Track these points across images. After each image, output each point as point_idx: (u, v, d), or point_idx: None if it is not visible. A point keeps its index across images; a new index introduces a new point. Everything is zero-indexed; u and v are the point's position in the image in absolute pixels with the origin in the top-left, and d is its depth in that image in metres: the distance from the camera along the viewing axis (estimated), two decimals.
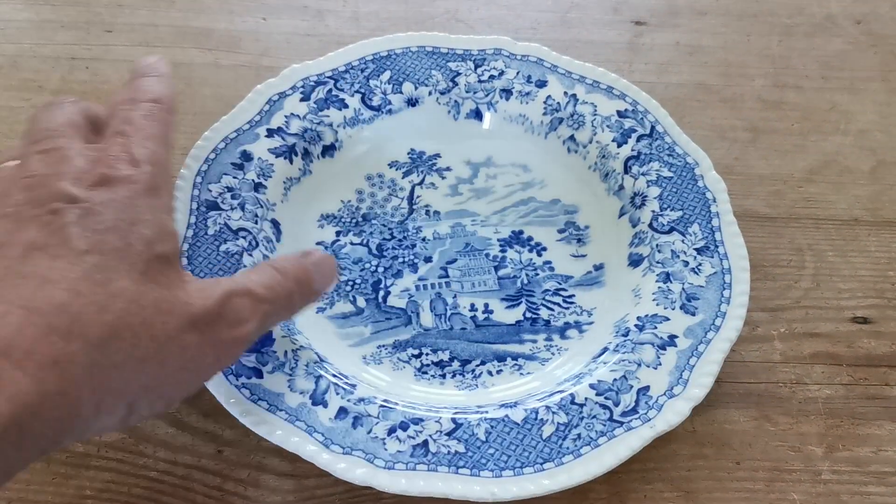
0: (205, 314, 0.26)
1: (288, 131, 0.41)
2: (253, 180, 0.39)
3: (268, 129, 0.41)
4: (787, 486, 0.34)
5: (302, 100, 0.42)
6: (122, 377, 0.24)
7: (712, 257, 0.37)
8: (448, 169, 0.43)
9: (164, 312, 0.25)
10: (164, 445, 0.33)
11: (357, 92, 0.43)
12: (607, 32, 0.53)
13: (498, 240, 0.40)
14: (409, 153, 0.43)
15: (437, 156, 0.43)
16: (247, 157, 0.39)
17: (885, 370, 0.37)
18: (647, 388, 0.33)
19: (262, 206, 0.38)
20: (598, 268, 0.39)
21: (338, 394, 0.32)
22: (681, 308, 0.35)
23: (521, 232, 0.40)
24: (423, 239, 0.40)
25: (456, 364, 0.36)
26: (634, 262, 0.38)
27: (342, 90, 0.43)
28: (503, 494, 0.30)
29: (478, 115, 0.44)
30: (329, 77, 0.43)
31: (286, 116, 0.41)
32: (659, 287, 0.36)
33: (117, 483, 0.32)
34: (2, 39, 0.50)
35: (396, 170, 0.43)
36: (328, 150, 0.42)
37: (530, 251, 0.40)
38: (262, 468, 0.33)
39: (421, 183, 0.42)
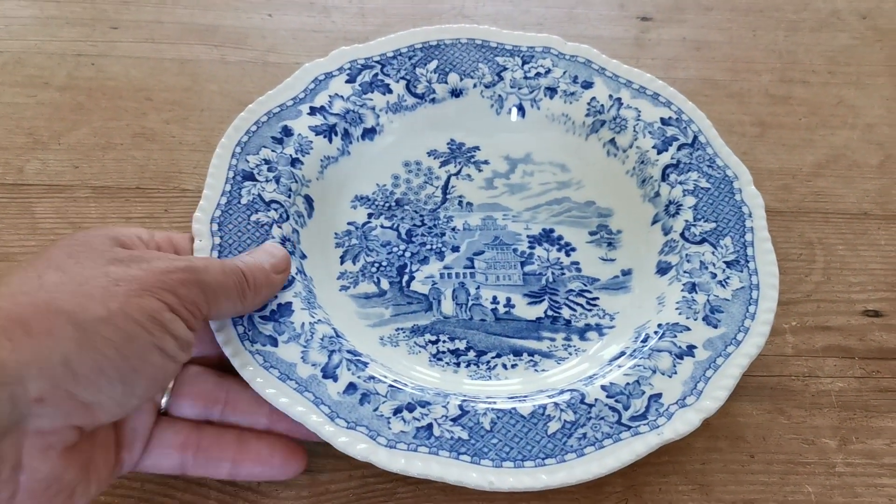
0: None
1: (330, 111, 0.41)
2: (290, 155, 0.39)
3: (311, 107, 0.41)
4: (801, 479, 0.34)
5: (347, 81, 0.42)
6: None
7: (741, 272, 0.36)
8: (486, 162, 0.43)
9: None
10: None
11: (402, 78, 0.43)
12: (614, 28, 0.53)
13: (528, 236, 0.40)
14: (448, 143, 0.43)
15: (476, 148, 0.43)
16: (287, 132, 0.39)
17: None
18: (659, 395, 0.32)
19: (296, 182, 0.38)
20: (626, 273, 0.39)
21: (349, 370, 0.32)
22: (703, 319, 0.35)
23: (551, 230, 0.40)
24: (453, 228, 0.40)
25: (472, 354, 0.36)
26: (662, 269, 0.38)
27: (388, 75, 0.43)
28: (500, 484, 0.30)
29: (521, 110, 0.44)
30: (376, 62, 0.43)
31: (330, 96, 0.41)
32: (684, 297, 0.36)
33: (131, 479, 0.32)
34: (7, 36, 0.50)
35: (434, 158, 0.43)
36: (368, 132, 0.42)
37: (559, 250, 0.40)
38: None
39: (458, 173, 0.42)
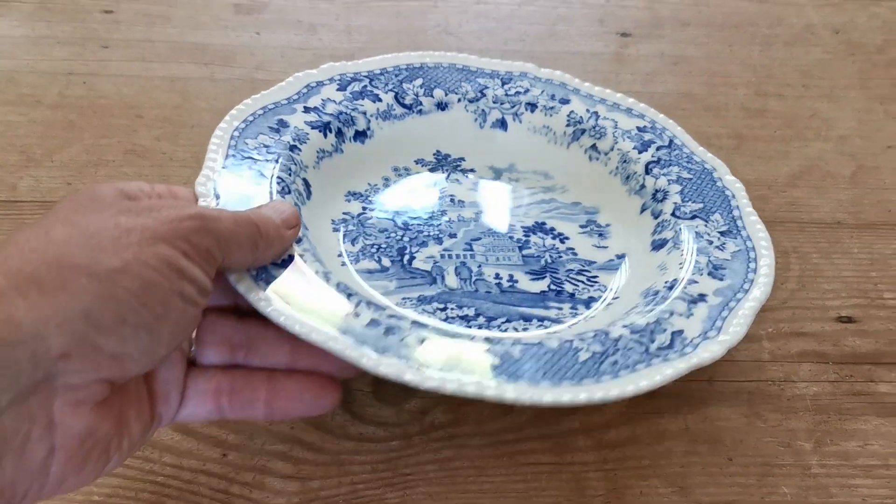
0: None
1: (324, 111, 0.42)
2: (288, 142, 0.39)
3: (304, 107, 0.42)
4: (777, 481, 0.35)
5: (338, 89, 0.44)
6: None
7: (735, 238, 0.38)
8: (472, 171, 0.44)
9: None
10: (169, 450, 0.34)
11: (391, 90, 0.44)
12: (594, 44, 0.55)
13: (521, 227, 0.41)
14: (434, 154, 0.45)
15: (462, 159, 0.45)
16: (283, 124, 0.40)
17: (869, 367, 0.38)
18: (681, 331, 0.33)
19: (295, 164, 0.39)
20: (621, 256, 0.40)
21: (369, 308, 0.32)
22: (708, 274, 0.36)
23: (543, 223, 0.42)
24: (448, 220, 0.41)
25: (482, 319, 0.36)
26: (658, 245, 0.39)
27: (377, 87, 0.44)
28: (537, 397, 0.29)
29: (503, 124, 0.45)
30: (364, 76, 0.45)
31: (323, 100, 0.43)
32: (685, 259, 0.37)
33: (124, 488, 0.33)
34: None
35: (422, 166, 0.44)
36: (360, 135, 0.43)
37: (553, 238, 0.41)
38: (266, 471, 0.34)
39: (447, 178, 0.44)
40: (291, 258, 0.33)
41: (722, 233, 0.38)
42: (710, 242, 0.38)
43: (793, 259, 0.43)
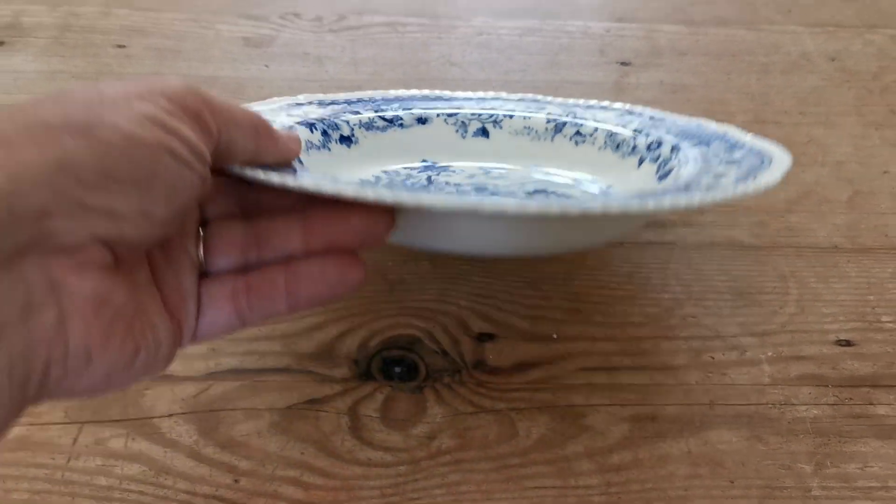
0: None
1: (306, 118, 0.43)
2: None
3: (288, 115, 0.43)
4: (779, 503, 0.35)
5: (318, 107, 0.45)
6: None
7: (742, 149, 0.38)
8: (463, 170, 0.45)
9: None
10: (182, 477, 0.35)
11: (370, 109, 0.46)
12: (595, 73, 0.56)
13: (524, 192, 0.42)
14: (422, 161, 0.46)
15: (449, 166, 0.46)
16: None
17: (868, 389, 0.39)
18: (721, 175, 0.33)
19: None
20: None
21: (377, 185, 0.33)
22: (725, 163, 0.36)
23: (544, 189, 0.43)
24: (446, 191, 0.42)
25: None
26: (664, 176, 0.39)
27: (357, 111, 0.46)
28: (616, 205, 0.26)
29: (484, 132, 0.46)
30: (343, 101, 0.46)
31: (305, 112, 0.44)
32: (698, 164, 0.37)
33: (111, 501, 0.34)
34: (15, 90, 0.52)
35: (411, 168, 0.45)
36: (345, 139, 0.44)
37: (559, 197, 0.42)
38: (277, 496, 0.34)
39: (438, 175, 0.44)
40: (294, 170, 0.31)
41: (727, 149, 0.38)
42: (718, 155, 0.38)
43: (791, 283, 0.44)
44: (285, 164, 0.31)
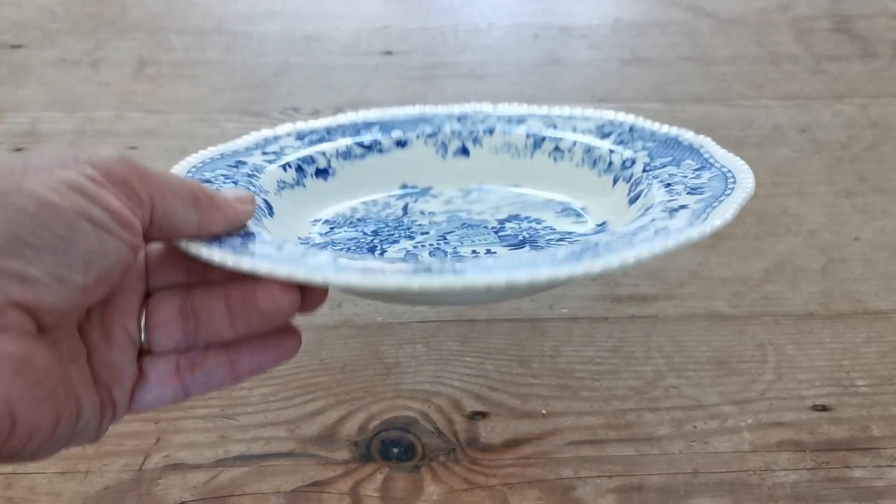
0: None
1: (282, 154, 0.44)
2: (247, 173, 0.40)
3: (263, 151, 0.43)
4: None
5: (296, 139, 0.45)
6: None
7: (710, 169, 0.38)
8: (442, 193, 0.46)
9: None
10: None
11: (348, 137, 0.47)
12: None
13: (495, 218, 0.43)
14: (401, 187, 0.46)
15: (430, 188, 0.47)
16: (241, 163, 0.42)
17: (844, 453, 0.41)
18: (666, 227, 0.33)
19: (255, 188, 0.40)
20: (601, 224, 0.41)
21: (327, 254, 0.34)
22: (688, 193, 0.37)
23: (517, 214, 0.43)
24: (419, 224, 0.43)
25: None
26: (634, 199, 0.40)
27: (334, 137, 0.46)
28: (516, 276, 0.28)
29: (465, 151, 0.47)
30: (322, 129, 0.47)
31: (281, 146, 0.44)
32: (663, 188, 0.38)
33: None
34: None
35: (389, 196, 0.46)
36: (321, 172, 0.44)
37: (529, 223, 0.42)
38: None
39: (415, 202, 0.45)
40: (250, 234, 0.32)
41: (695, 169, 0.39)
42: (685, 176, 0.39)
43: (769, 351, 0.46)
44: (238, 228, 0.32)
